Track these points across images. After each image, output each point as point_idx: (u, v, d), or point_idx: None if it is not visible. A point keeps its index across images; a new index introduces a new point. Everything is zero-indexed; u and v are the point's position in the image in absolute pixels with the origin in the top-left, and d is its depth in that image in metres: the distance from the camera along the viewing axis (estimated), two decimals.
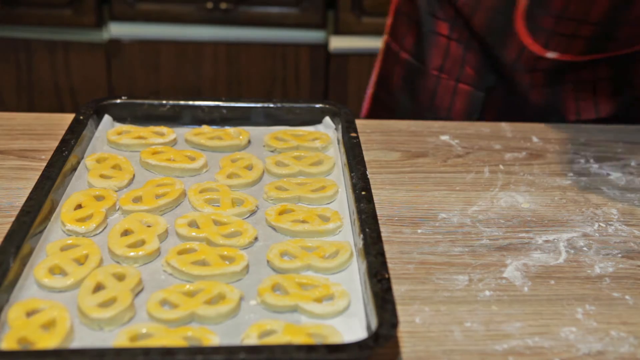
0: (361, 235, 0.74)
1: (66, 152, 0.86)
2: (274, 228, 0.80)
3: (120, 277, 0.70)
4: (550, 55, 1.07)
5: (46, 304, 0.66)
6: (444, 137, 1.04)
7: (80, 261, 0.72)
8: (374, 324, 0.63)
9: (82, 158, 0.90)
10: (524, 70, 1.10)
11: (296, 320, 0.67)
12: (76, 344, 0.64)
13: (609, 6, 1.01)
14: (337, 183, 0.87)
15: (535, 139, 1.05)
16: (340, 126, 0.96)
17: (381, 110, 1.26)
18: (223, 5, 2.29)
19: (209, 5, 2.28)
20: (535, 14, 0.93)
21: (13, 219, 0.74)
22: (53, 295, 0.69)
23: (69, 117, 0.95)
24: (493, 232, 0.84)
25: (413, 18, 1.17)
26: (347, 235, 0.79)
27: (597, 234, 0.85)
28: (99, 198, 0.82)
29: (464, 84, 1.14)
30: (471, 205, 0.89)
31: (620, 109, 1.12)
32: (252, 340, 0.64)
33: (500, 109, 1.13)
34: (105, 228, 0.79)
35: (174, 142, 0.95)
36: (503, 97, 1.14)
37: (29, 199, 0.77)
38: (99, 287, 0.69)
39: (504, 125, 1.08)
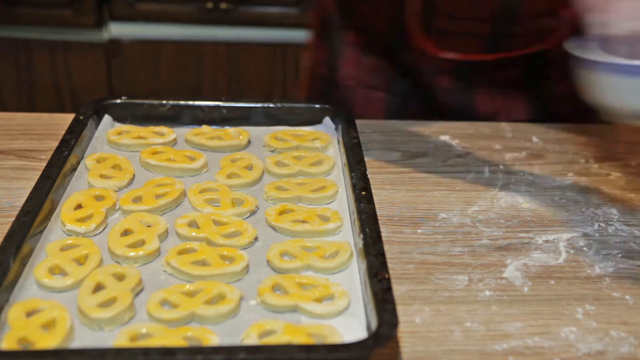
0: (361, 235, 0.74)
1: (66, 152, 0.86)
2: (274, 228, 0.80)
3: (120, 277, 0.70)
4: (449, 55, 1.08)
5: (46, 304, 0.66)
6: (444, 137, 1.04)
7: (80, 261, 0.72)
8: (374, 324, 0.63)
9: (82, 158, 0.90)
10: (430, 73, 1.10)
11: (296, 320, 0.67)
12: (76, 344, 0.64)
13: (500, 4, 1.01)
14: (337, 183, 0.87)
15: (535, 139, 1.05)
16: (340, 126, 0.96)
17: None
18: (223, 5, 2.29)
19: (209, 5, 2.28)
20: (428, 16, 0.93)
21: (13, 219, 0.74)
22: (53, 295, 0.69)
23: (69, 117, 0.95)
24: (493, 232, 0.84)
25: (325, 31, 1.18)
26: (347, 235, 0.79)
27: (597, 234, 0.85)
28: (99, 198, 0.82)
29: (378, 90, 1.15)
30: (471, 205, 0.89)
31: (535, 109, 1.12)
32: (252, 340, 0.64)
33: (419, 113, 1.14)
34: (105, 228, 0.79)
35: (174, 142, 0.95)
36: (419, 100, 1.14)
37: (29, 199, 0.77)
38: (99, 287, 0.69)
39: (504, 125, 1.08)
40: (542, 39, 1.06)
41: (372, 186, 0.82)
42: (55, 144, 0.88)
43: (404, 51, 1.09)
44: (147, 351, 0.59)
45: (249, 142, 0.96)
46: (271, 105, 1.00)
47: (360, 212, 0.77)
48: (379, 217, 0.77)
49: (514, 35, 1.05)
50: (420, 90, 1.12)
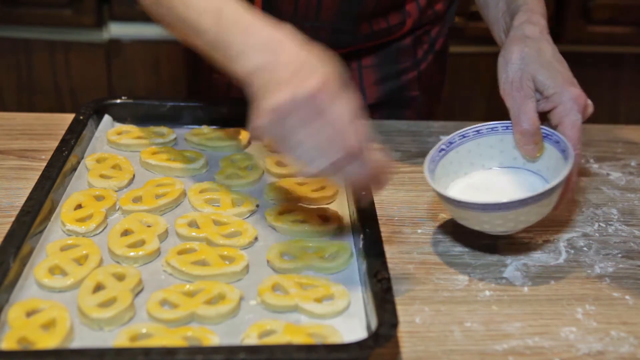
0: (361, 235, 0.74)
1: (66, 152, 0.86)
2: (274, 228, 0.80)
3: (120, 277, 0.70)
4: None
5: (46, 304, 0.66)
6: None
7: (80, 261, 0.72)
8: (374, 324, 0.63)
9: (82, 158, 0.90)
10: None
11: (296, 320, 0.67)
12: (76, 344, 0.64)
13: (337, 7, 1.03)
14: (337, 183, 0.87)
15: None
16: None
17: None
18: None
19: None
20: (272, 18, 0.94)
21: (13, 219, 0.74)
22: (53, 295, 0.69)
23: (69, 117, 0.95)
24: None
25: None
26: (347, 235, 0.79)
27: (597, 234, 0.85)
28: (99, 198, 0.82)
29: (236, 80, 1.15)
30: None
31: (385, 94, 1.14)
32: (252, 340, 0.64)
33: None
34: (105, 228, 0.79)
35: (174, 142, 0.95)
36: None
37: (29, 199, 0.77)
38: (99, 287, 0.69)
39: None
40: (391, 31, 1.09)
41: None
42: (55, 144, 0.88)
43: None
44: (147, 351, 0.59)
45: (249, 142, 0.96)
46: None
47: (360, 212, 0.77)
48: (379, 217, 0.77)
49: (356, 33, 1.07)
50: None
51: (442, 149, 0.83)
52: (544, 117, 0.82)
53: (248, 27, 0.72)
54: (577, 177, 0.81)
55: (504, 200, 0.73)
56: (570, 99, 0.80)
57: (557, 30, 2.08)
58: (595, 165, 0.99)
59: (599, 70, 2.18)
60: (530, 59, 0.83)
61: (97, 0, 2.16)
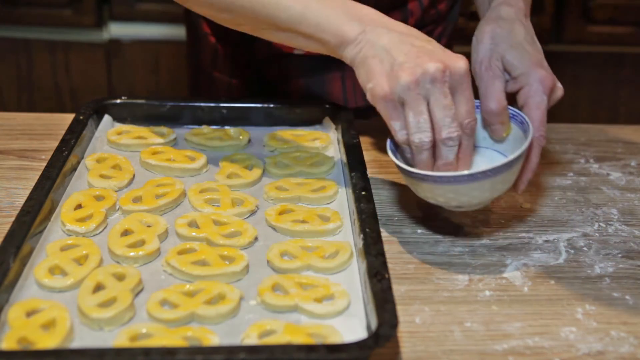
0: (361, 235, 0.74)
1: (66, 152, 0.86)
2: (274, 228, 0.80)
3: (120, 277, 0.70)
4: (297, 52, 1.09)
5: (46, 304, 0.66)
6: None
7: (80, 261, 0.72)
8: (374, 324, 0.63)
9: (82, 158, 0.90)
10: (279, 66, 1.11)
11: (296, 320, 0.67)
12: (76, 344, 0.64)
13: None
14: (337, 183, 0.87)
15: None
16: (340, 126, 0.96)
17: None
18: None
19: None
20: None
21: (13, 219, 0.74)
22: (53, 295, 0.69)
23: (69, 117, 0.95)
24: (493, 232, 0.84)
25: (188, 18, 1.20)
26: (347, 235, 0.79)
27: (597, 234, 0.85)
28: (99, 198, 0.82)
29: (238, 80, 1.16)
30: None
31: None
32: (252, 340, 0.64)
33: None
34: (105, 228, 0.79)
35: (174, 142, 0.95)
36: (276, 88, 1.16)
37: (29, 199, 0.77)
38: (99, 287, 0.69)
39: None
40: None
41: (372, 186, 0.82)
42: (55, 144, 0.88)
43: (256, 45, 1.11)
44: (147, 351, 0.59)
45: (249, 142, 0.96)
46: (271, 105, 1.00)
47: (360, 212, 0.77)
48: (379, 217, 0.77)
49: None
50: (275, 80, 1.14)
51: None
52: (513, 98, 0.82)
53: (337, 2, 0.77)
54: (538, 159, 0.81)
55: (454, 173, 0.74)
56: (536, 80, 0.81)
57: (557, 30, 2.08)
58: (595, 165, 0.99)
59: (599, 70, 2.18)
60: (500, 39, 0.83)
61: (97, 0, 2.16)
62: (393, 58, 0.74)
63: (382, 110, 0.76)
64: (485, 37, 0.84)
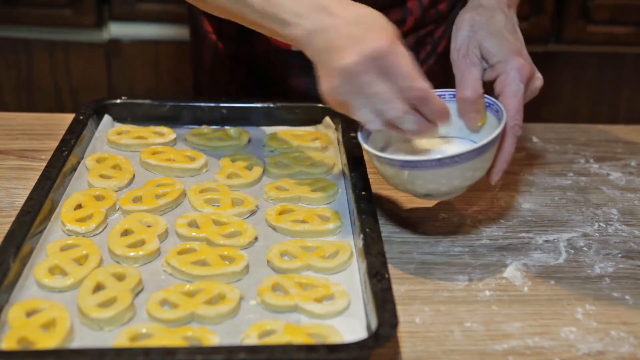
0: (361, 235, 0.74)
1: (66, 152, 0.86)
2: (274, 228, 0.80)
3: (120, 277, 0.70)
4: (296, 49, 1.08)
5: (46, 304, 0.66)
6: None
7: (80, 261, 0.72)
8: (374, 324, 0.63)
9: (82, 158, 0.90)
10: (279, 63, 1.11)
11: (296, 320, 0.67)
12: (76, 344, 0.64)
13: None
14: (337, 183, 0.87)
15: (535, 139, 1.05)
16: (340, 126, 0.96)
17: None
18: None
19: None
20: None
21: (13, 219, 0.74)
22: (53, 295, 0.69)
23: (69, 117, 0.95)
24: (493, 232, 0.84)
25: (190, 17, 1.20)
26: (347, 235, 0.79)
27: (597, 234, 0.85)
28: (99, 198, 0.82)
29: (238, 77, 1.16)
30: (471, 205, 0.89)
31: None
32: (252, 340, 0.64)
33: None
34: (105, 228, 0.79)
35: (174, 142, 0.95)
36: (277, 87, 1.16)
37: (29, 199, 0.77)
38: (99, 287, 0.69)
39: None
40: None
41: (372, 186, 0.82)
42: (55, 144, 0.88)
43: (255, 42, 1.11)
44: (147, 351, 0.59)
45: (249, 142, 0.96)
46: (271, 105, 1.00)
47: (360, 212, 0.77)
48: (379, 217, 0.77)
49: None
50: (275, 78, 1.14)
51: None
52: (490, 87, 0.82)
53: None
54: (512, 148, 0.80)
55: (421, 158, 0.73)
56: (513, 68, 0.79)
57: (557, 30, 2.08)
58: (595, 165, 0.99)
59: (599, 70, 2.18)
60: (479, 27, 0.82)
61: (97, 0, 2.16)
62: (327, 59, 0.73)
63: (341, 109, 0.76)
64: (464, 24, 0.83)
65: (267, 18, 0.76)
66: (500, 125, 0.76)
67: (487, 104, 0.81)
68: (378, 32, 0.72)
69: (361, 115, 0.74)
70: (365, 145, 0.77)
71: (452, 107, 0.82)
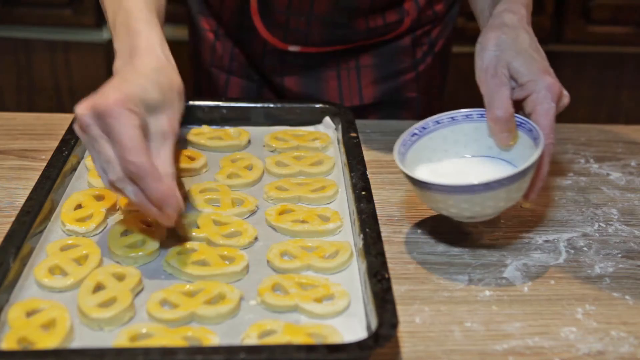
0: (361, 235, 0.74)
1: (66, 152, 0.86)
2: (274, 228, 0.80)
3: (120, 277, 0.70)
4: (293, 48, 1.10)
5: (46, 304, 0.66)
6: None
7: (80, 261, 0.72)
8: (374, 324, 0.63)
9: (82, 158, 0.90)
10: (275, 62, 1.12)
11: (296, 320, 0.67)
12: (76, 344, 0.64)
13: (332, 0, 1.03)
14: (337, 183, 0.87)
15: None
16: (340, 126, 0.96)
17: None
18: None
19: None
20: (267, 12, 0.94)
21: (13, 219, 0.74)
22: (53, 295, 0.69)
23: (69, 117, 0.95)
24: (493, 232, 0.84)
25: (189, 15, 1.22)
26: (347, 235, 0.79)
27: (597, 234, 0.85)
28: (99, 198, 0.82)
29: (235, 76, 1.17)
30: None
31: (382, 95, 1.15)
32: (252, 340, 0.64)
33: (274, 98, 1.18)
34: (105, 228, 0.79)
35: None
36: (273, 87, 1.17)
37: (29, 199, 0.77)
38: (99, 287, 0.69)
39: None
40: (387, 29, 1.09)
41: (372, 186, 0.82)
42: (55, 144, 0.88)
43: (248, 41, 1.11)
44: (147, 351, 0.59)
45: (249, 142, 0.96)
46: (271, 105, 1.00)
47: (360, 212, 0.77)
48: (379, 217, 0.77)
49: (353, 29, 1.07)
50: (272, 75, 1.14)
51: (415, 134, 0.82)
52: (519, 105, 0.82)
53: (125, 29, 0.80)
54: (548, 166, 0.80)
55: (469, 183, 0.73)
56: (544, 87, 0.79)
57: (557, 30, 2.08)
58: (595, 165, 0.99)
59: (599, 70, 2.18)
60: (506, 46, 0.82)
61: (97, 0, 2.16)
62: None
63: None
64: (490, 43, 0.82)
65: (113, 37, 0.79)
66: (539, 144, 0.76)
67: (518, 123, 0.81)
68: (118, 90, 0.68)
69: (95, 166, 0.71)
70: (404, 169, 0.76)
71: (481, 126, 0.82)
